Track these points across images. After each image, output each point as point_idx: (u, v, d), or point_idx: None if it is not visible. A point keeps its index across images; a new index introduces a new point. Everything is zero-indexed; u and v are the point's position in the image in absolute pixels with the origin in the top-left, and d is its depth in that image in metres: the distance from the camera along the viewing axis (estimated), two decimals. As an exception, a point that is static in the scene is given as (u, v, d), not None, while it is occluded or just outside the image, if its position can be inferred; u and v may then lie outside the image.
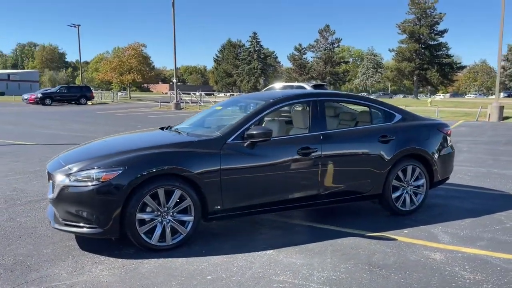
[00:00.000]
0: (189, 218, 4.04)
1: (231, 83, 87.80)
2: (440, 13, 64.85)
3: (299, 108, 5.15)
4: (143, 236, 3.87)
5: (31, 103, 38.58)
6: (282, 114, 5.75)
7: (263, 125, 4.82)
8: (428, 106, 32.60)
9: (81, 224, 3.81)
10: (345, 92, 5.98)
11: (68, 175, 3.84)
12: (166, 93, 73.03)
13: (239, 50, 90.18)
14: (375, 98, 5.59)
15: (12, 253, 3.90)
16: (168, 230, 3.97)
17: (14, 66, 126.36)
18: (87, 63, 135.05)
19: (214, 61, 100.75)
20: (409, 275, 3.53)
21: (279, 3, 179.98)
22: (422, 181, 5.23)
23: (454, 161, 5.77)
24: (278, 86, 23.28)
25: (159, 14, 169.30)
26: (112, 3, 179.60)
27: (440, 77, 66.18)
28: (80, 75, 52.94)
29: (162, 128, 5.07)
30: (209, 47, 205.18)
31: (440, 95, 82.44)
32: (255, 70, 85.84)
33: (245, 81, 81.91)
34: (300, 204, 4.64)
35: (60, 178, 3.87)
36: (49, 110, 29.69)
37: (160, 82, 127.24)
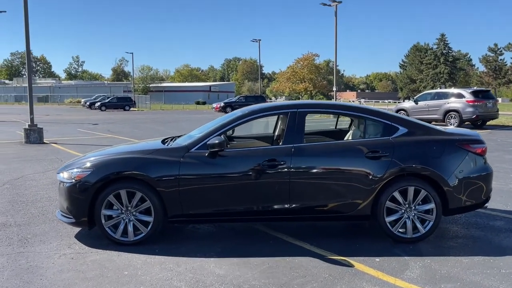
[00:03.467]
0: (149, 219, 4.48)
1: (415, 89, 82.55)
2: None
3: (284, 120, 5.03)
4: (107, 230, 4.48)
5: (217, 111, 43.89)
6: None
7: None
8: None
9: (65, 215, 4.65)
10: (337, 103, 5.45)
11: (63, 172, 4.72)
12: (352, 101, 73.16)
13: (425, 54, 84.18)
14: (375, 109, 4.97)
15: (28, 231, 4.99)
16: (130, 228, 4.48)
17: (222, 79, 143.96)
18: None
19: (400, 66, 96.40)
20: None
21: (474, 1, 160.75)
22: (430, 206, 4.48)
23: (491, 184, 4.73)
24: (434, 91, 21.40)
25: (352, 22, 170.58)
26: (296, 13, 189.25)
27: None
28: (259, 86, 57.81)
29: (163, 141, 5.25)
30: (400, 52, 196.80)
31: None
32: (441, 75, 78.64)
33: (429, 87, 75.84)
34: (266, 217, 4.58)
35: (59, 175, 4.78)
36: (224, 117, 33.35)
37: (347, 90, 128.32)
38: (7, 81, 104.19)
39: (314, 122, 5.00)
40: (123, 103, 51.04)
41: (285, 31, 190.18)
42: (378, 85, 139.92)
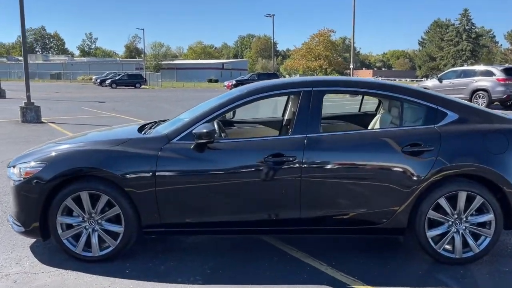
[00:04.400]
0: (119, 229, 3.47)
1: (434, 67, 79.69)
2: None
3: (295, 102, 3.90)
4: (65, 242, 3.49)
5: (229, 89, 42.73)
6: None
7: None
8: None
9: (15, 221, 3.65)
10: (363, 79, 4.26)
11: (14, 167, 3.71)
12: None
13: (446, 31, 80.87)
14: (415, 88, 3.82)
15: (-23, 239, 4.03)
16: (94, 240, 3.48)
17: (235, 56, 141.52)
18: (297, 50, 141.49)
19: (419, 43, 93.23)
20: None
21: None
22: (488, 217, 3.39)
23: None
24: (460, 69, 19.94)
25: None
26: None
27: None
28: (273, 63, 56.22)
29: (141, 127, 4.15)
30: (419, 29, 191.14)
31: None
32: (463, 52, 75.48)
33: (450, 64, 72.92)
34: (269, 229, 3.54)
35: (9, 170, 3.78)
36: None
37: (363, 68, 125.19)
38: (20, 58, 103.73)
39: (327, 102, 3.86)
40: (134, 81, 50.06)
41: (300, 6, 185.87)
42: (395, 63, 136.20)
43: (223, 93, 4.08)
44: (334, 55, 50.48)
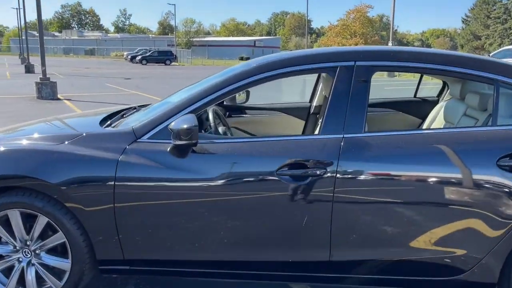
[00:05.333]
0: (64, 264, 2.39)
1: (478, 47, 75.07)
2: None
3: (328, 83, 2.65)
4: (-9, 279, 2.46)
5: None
6: None
7: None
8: None
9: None
10: (429, 50, 2.74)
11: None
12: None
13: (493, 7, 75.81)
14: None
15: None
16: (30, 278, 2.43)
17: (268, 34, 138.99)
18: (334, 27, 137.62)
19: (463, 21, 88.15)
20: None
21: None
22: None
23: None
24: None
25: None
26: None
27: None
28: (306, 41, 54.21)
29: (108, 116, 2.94)
30: (463, 6, 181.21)
31: None
32: (511, 31, 70.73)
33: (496, 44, 68.46)
34: (283, 274, 2.37)
35: None
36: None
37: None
38: (56, 33, 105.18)
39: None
40: (164, 57, 49.44)
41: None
42: (434, 43, 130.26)
43: (225, 69, 2.87)
44: (371, 33, 47.76)
